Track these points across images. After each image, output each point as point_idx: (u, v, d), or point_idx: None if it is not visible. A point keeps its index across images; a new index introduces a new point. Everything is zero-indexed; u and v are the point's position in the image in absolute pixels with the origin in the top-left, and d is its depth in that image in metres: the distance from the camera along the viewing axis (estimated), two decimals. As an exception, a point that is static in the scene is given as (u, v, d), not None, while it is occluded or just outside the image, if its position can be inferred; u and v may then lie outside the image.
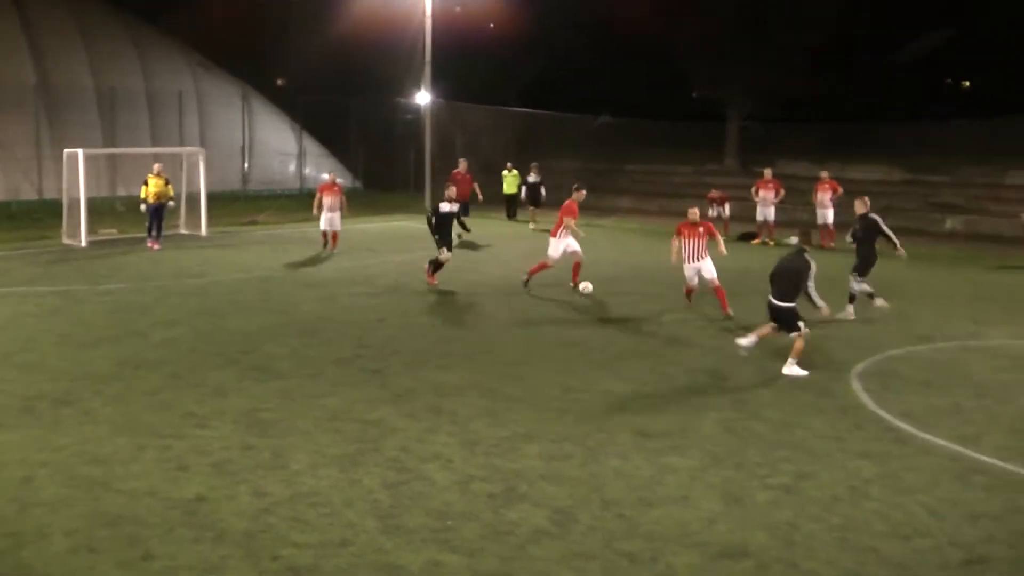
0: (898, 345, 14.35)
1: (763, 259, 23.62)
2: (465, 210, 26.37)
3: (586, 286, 17.81)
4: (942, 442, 9.92)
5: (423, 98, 37.13)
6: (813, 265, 12.63)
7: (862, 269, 16.29)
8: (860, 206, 16.90)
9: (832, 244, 27.45)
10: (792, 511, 8.02)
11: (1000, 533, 7.75)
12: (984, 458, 9.49)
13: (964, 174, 38.50)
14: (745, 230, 28.77)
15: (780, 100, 43.09)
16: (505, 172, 32.51)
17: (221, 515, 7.79)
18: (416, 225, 30.59)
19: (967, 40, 49.15)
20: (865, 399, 11.37)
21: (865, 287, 16.24)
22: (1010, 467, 9.28)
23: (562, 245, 18.23)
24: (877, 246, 16.44)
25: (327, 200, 23.30)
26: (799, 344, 12.46)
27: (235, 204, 33.24)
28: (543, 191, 30.89)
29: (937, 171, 38.32)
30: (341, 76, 43.45)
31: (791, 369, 12.44)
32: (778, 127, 41.02)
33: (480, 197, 28.96)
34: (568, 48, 46.80)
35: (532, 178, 31.04)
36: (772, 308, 12.76)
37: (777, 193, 27.98)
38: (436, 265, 18.72)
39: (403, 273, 20.25)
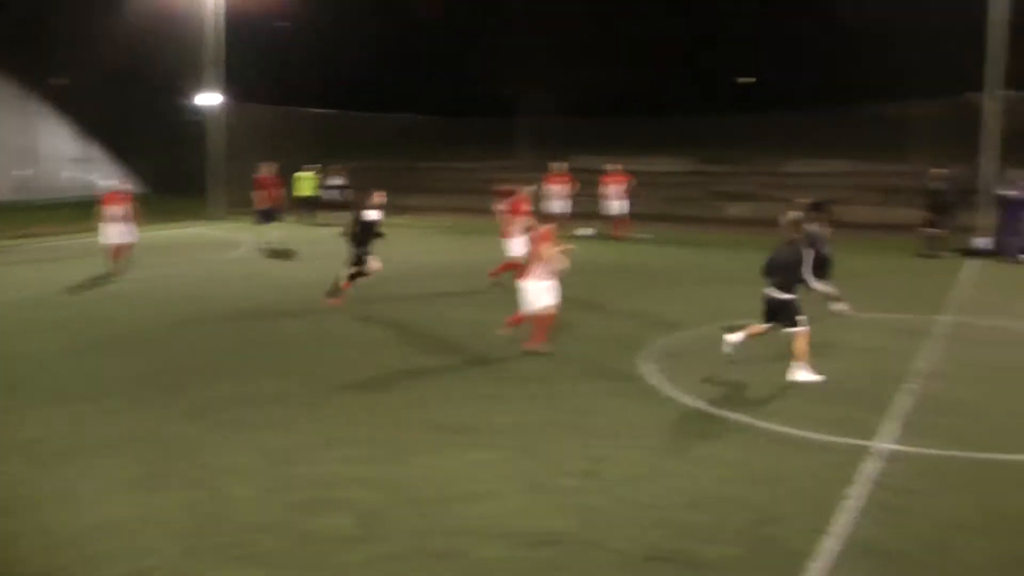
0: (692, 326, 14.91)
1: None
2: (271, 216, 25.62)
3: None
4: (733, 414, 10.39)
5: (211, 98, 36.01)
6: (806, 252, 12.21)
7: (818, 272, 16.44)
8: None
9: (628, 235, 28.31)
10: (595, 494, 8.21)
11: (786, 492, 8.22)
12: (771, 425, 10.00)
13: (749, 163, 40.40)
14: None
15: (572, 95, 44.02)
16: (301, 174, 31.80)
17: (2, 562, 7.19)
18: (210, 232, 29.91)
19: (752, 38, 51.46)
20: (659, 379, 11.76)
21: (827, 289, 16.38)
22: (793, 431, 9.82)
23: (519, 241, 17.87)
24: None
25: (112, 210, 20.96)
26: (801, 344, 11.78)
27: (12, 215, 31.20)
28: (348, 194, 29.95)
29: (724, 160, 40.07)
30: (127, 75, 41.64)
31: (800, 374, 11.76)
32: (570, 121, 41.87)
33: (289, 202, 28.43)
34: (363, 46, 46.32)
35: (336, 181, 30.09)
36: (771, 301, 12.05)
37: (569, 186, 28.58)
38: (355, 276, 17.35)
39: (197, 283, 19.66)
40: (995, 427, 10.19)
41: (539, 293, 12.82)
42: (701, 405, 10.76)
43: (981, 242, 25.62)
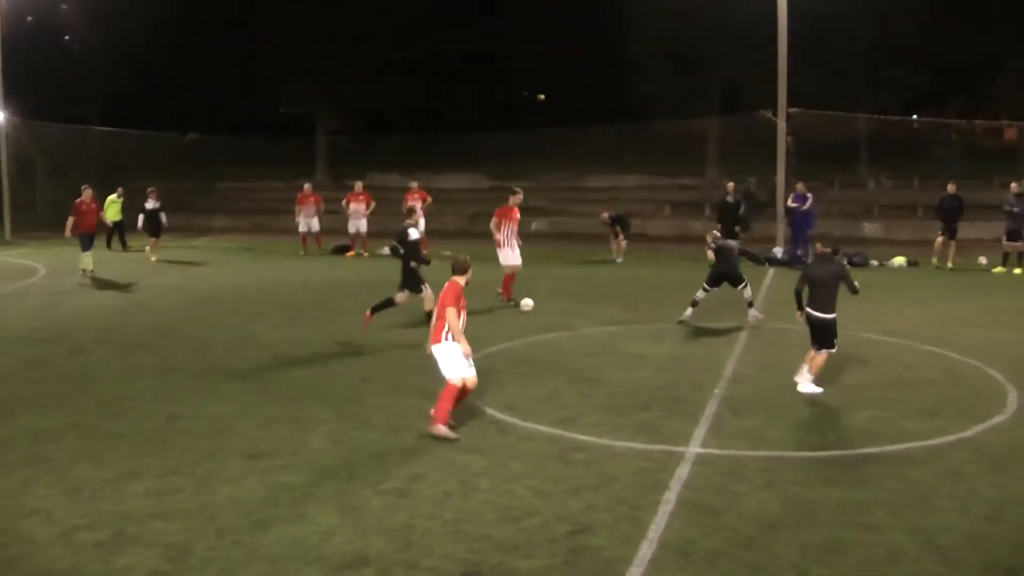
0: (496, 342, 14.87)
1: (358, 272, 23.98)
2: (90, 242, 23.90)
3: (527, 302, 17.72)
4: (543, 427, 10.36)
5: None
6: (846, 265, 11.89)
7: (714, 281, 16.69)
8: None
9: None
10: (407, 513, 7.98)
11: (600, 501, 8.21)
12: (581, 437, 10.03)
13: (547, 179, 41.08)
14: (339, 243, 29.04)
15: (367, 114, 43.78)
16: (113, 197, 30.11)
17: None
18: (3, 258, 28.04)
19: (546, 56, 52.47)
20: (469, 397, 11.62)
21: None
22: (604, 441, 9.89)
23: (515, 250, 18.48)
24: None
25: None
26: (824, 360, 11.86)
27: None
28: (164, 218, 28.15)
29: (522, 177, 40.57)
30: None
31: (808, 386, 11.81)
32: (367, 140, 41.63)
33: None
34: (149, 62, 44.54)
35: (150, 204, 28.40)
36: (814, 321, 11.86)
37: (368, 205, 28.36)
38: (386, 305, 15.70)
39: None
40: (793, 425, 10.57)
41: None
42: (515, 419, 10.67)
43: (778, 252, 26.85)
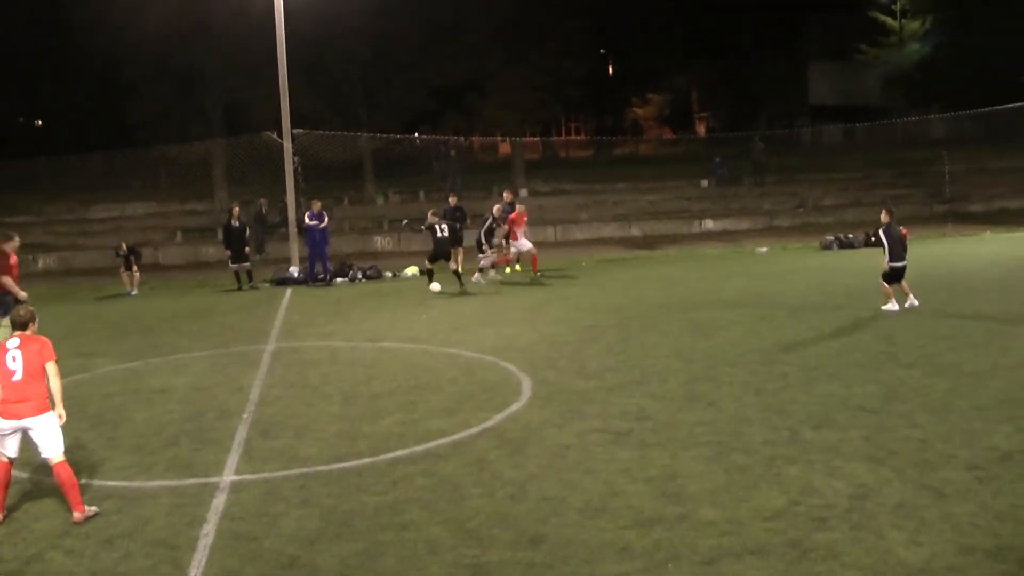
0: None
1: None
2: None
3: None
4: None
5: None
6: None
7: None
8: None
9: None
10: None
11: (136, 547, 7.90)
12: (110, 483, 9.59)
13: (50, 212, 38.57)
14: None
15: None
16: None
17: None
18: None
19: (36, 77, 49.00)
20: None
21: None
22: (135, 484, 9.57)
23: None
24: None
25: None
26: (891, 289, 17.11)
27: None
28: None
29: (23, 212, 37.81)
30: None
31: (889, 305, 17.00)
32: None
33: None
34: None
35: None
36: (900, 269, 16.97)
37: None
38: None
39: None
40: (321, 440, 10.77)
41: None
42: (37, 477, 9.80)
43: (293, 271, 27.14)
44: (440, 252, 22.47)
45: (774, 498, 8.27)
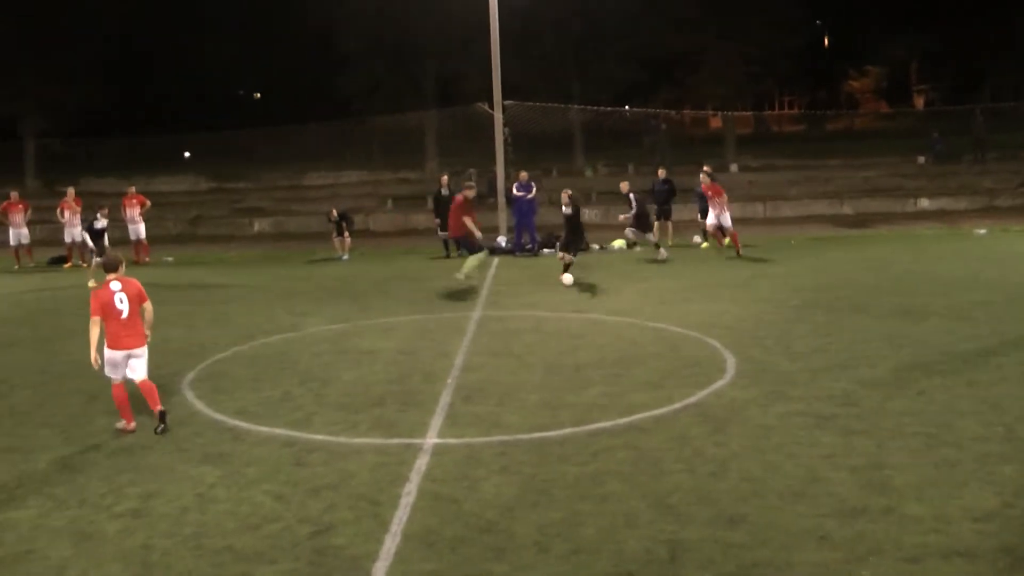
0: (224, 347, 14.48)
1: (76, 280, 22.72)
2: None
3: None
4: (278, 430, 10.15)
5: None
6: None
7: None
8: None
9: (147, 259, 27.12)
10: (144, 534, 7.62)
11: (341, 500, 8.14)
12: (317, 437, 9.91)
13: (268, 179, 40.31)
14: (56, 254, 27.57)
15: (73, 115, 41.40)
16: None
17: None
18: None
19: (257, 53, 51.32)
20: (200, 406, 11.26)
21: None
22: (341, 439, 9.83)
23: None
24: None
25: None
26: None
27: None
28: None
29: (242, 178, 39.68)
30: None
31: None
32: (78, 143, 39.45)
33: None
34: None
35: None
36: None
37: (77, 211, 26.87)
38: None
39: None
40: (523, 408, 10.80)
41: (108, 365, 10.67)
42: (248, 425, 10.40)
43: (501, 240, 27.52)
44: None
45: (986, 498, 7.74)
